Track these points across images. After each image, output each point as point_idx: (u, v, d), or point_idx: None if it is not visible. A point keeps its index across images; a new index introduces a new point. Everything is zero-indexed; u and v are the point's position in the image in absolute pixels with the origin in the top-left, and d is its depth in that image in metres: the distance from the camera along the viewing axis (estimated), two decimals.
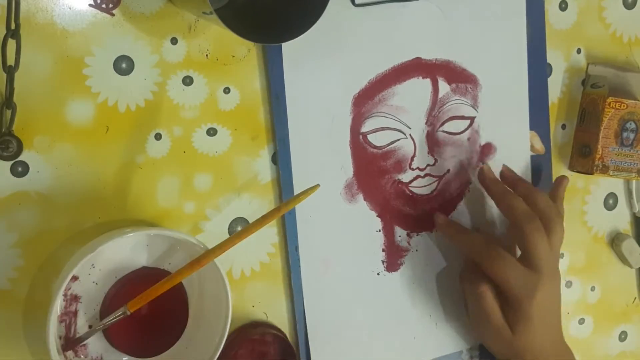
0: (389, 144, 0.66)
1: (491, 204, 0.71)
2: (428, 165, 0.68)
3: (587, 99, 0.73)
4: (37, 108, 0.54)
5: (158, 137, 0.59)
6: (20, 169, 0.55)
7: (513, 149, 0.71)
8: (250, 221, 0.61)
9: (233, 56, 0.60)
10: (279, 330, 0.64)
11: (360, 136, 0.65)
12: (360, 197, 0.66)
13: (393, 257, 0.68)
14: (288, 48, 0.61)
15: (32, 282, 0.56)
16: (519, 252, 0.66)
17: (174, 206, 0.60)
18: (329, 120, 0.64)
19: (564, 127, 0.74)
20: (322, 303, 0.65)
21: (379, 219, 0.67)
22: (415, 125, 0.67)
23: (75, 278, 0.54)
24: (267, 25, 0.55)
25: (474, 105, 0.69)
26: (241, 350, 0.61)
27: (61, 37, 0.55)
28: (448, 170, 0.69)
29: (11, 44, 0.52)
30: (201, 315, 0.58)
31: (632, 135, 0.71)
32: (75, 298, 0.55)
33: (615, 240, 0.78)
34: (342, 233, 0.66)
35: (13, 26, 0.51)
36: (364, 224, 0.66)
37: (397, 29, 0.65)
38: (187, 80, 0.59)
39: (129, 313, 0.53)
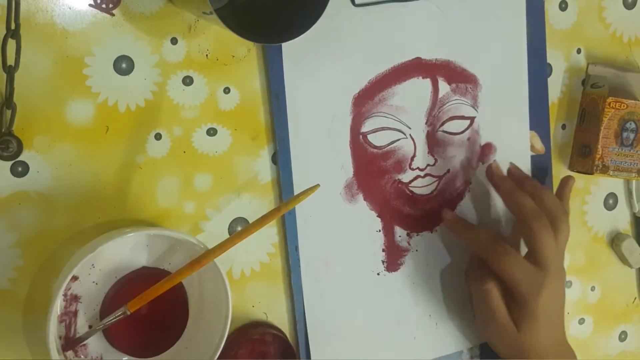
0: (389, 144, 0.66)
1: (491, 203, 0.71)
2: (428, 165, 0.68)
3: (587, 99, 0.73)
4: (37, 108, 0.54)
5: (158, 137, 0.59)
6: (20, 169, 0.55)
7: (513, 149, 0.71)
8: (250, 221, 0.61)
9: (233, 56, 0.60)
10: (279, 330, 0.64)
11: (360, 136, 0.65)
12: (361, 197, 0.66)
13: (393, 257, 0.68)
14: (288, 48, 0.61)
15: (32, 282, 0.56)
16: (523, 251, 0.67)
17: (174, 206, 0.60)
18: (328, 120, 0.64)
19: (564, 127, 0.74)
20: (322, 303, 0.65)
21: (379, 219, 0.67)
22: (415, 125, 0.67)
23: (75, 278, 0.54)
24: (267, 25, 0.55)
25: (474, 105, 0.69)
26: (241, 350, 0.61)
27: (61, 37, 0.55)
28: (448, 170, 0.69)
29: (11, 44, 0.52)
30: (201, 315, 0.58)
31: (632, 135, 0.71)
32: (75, 298, 0.55)
33: (615, 240, 0.78)
34: (342, 233, 0.66)
35: (13, 26, 0.51)
36: (364, 224, 0.66)
37: (397, 29, 0.65)
38: (187, 80, 0.59)
39: (129, 313, 0.53)
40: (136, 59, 0.57)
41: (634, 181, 0.78)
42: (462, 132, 0.69)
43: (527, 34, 0.70)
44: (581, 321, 0.78)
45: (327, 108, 0.64)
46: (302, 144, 0.63)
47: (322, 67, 0.63)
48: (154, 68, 0.58)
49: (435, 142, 0.68)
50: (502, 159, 0.70)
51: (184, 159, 0.60)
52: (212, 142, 0.60)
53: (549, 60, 0.72)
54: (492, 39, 0.68)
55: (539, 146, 0.72)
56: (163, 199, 0.59)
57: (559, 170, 0.74)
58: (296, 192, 0.62)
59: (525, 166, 0.72)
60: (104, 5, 0.55)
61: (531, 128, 0.72)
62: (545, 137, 0.72)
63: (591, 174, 0.72)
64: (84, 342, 0.55)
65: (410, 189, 0.68)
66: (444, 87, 0.67)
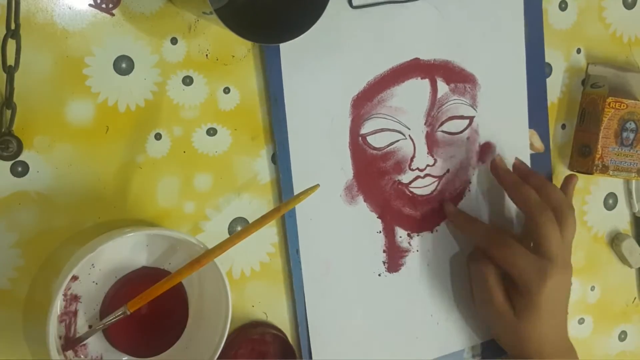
0: (388, 145, 0.66)
1: (492, 203, 0.71)
2: (428, 165, 0.68)
3: (587, 99, 0.73)
4: (37, 108, 0.54)
5: (158, 137, 0.59)
6: (20, 169, 0.55)
7: (512, 147, 0.71)
8: (250, 221, 0.61)
9: (233, 56, 0.60)
10: (279, 330, 0.64)
11: (360, 138, 0.65)
12: (361, 198, 0.66)
13: (394, 258, 0.68)
14: (286, 49, 0.61)
15: (32, 282, 0.56)
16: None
17: (174, 206, 0.60)
18: (328, 121, 0.64)
19: (563, 127, 0.74)
20: (323, 305, 0.65)
21: (379, 220, 0.67)
22: (414, 126, 0.67)
23: (75, 278, 0.54)
24: (267, 25, 0.55)
25: (473, 105, 0.69)
26: (241, 350, 0.61)
27: (61, 37, 0.55)
28: (448, 170, 0.69)
29: (11, 44, 0.52)
30: (201, 315, 0.57)
31: (632, 135, 0.71)
32: (75, 298, 0.55)
33: (615, 240, 0.78)
34: (343, 235, 0.66)
35: (13, 26, 0.51)
36: (365, 225, 0.66)
37: (395, 30, 0.65)
38: (187, 80, 0.59)
39: (128, 313, 0.53)
40: (136, 59, 0.57)
41: (633, 181, 0.78)
42: (462, 131, 0.69)
43: (525, 33, 0.70)
44: (581, 321, 0.78)
45: (326, 110, 0.64)
46: (302, 146, 0.63)
47: (321, 69, 0.63)
48: (154, 68, 0.58)
49: (434, 143, 0.68)
50: (502, 158, 0.71)
51: (184, 159, 0.60)
52: (212, 142, 0.60)
53: (548, 60, 0.72)
54: (490, 39, 0.68)
55: (539, 145, 0.72)
56: (163, 199, 0.59)
57: (559, 170, 0.74)
58: (296, 192, 0.62)
59: None
60: (104, 5, 0.55)
61: (530, 127, 0.72)
62: (544, 136, 0.72)
63: (591, 174, 0.72)
64: (84, 342, 0.55)
65: (410, 189, 0.68)
66: (442, 87, 0.67)
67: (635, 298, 0.81)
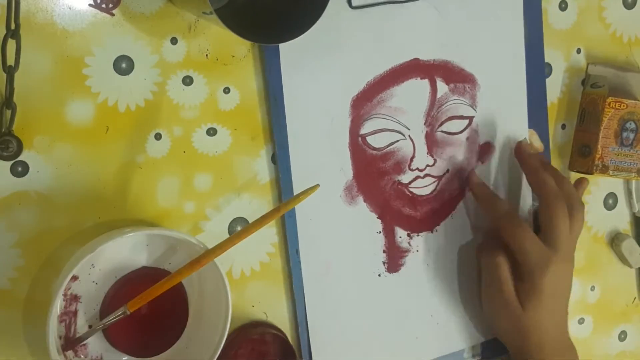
0: (388, 146, 0.66)
1: None
2: (427, 165, 0.68)
3: (587, 99, 0.73)
4: (37, 108, 0.54)
5: (158, 137, 0.59)
6: (20, 169, 0.55)
7: (512, 147, 0.71)
8: (250, 221, 0.61)
9: (233, 56, 0.60)
10: (279, 330, 0.64)
11: (360, 138, 0.65)
12: (360, 199, 0.66)
13: (394, 258, 0.68)
14: (286, 49, 0.61)
15: (32, 282, 0.56)
16: None
17: (174, 206, 0.60)
18: (327, 122, 0.64)
19: (563, 127, 0.74)
20: (323, 305, 0.65)
21: (379, 221, 0.67)
22: (414, 126, 0.67)
23: (75, 278, 0.54)
24: (267, 25, 0.55)
25: (473, 105, 0.69)
26: (241, 350, 0.61)
27: (61, 37, 0.55)
28: (447, 170, 0.69)
29: (11, 44, 0.52)
30: (201, 315, 0.58)
31: (632, 135, 0.71)
32: (75, 298, 0.55)
33: (615, 240, 0.78)
34: (343, 235, 0.66)
35: (13, 26, 0.51)
36: (365, 225, 0.66)
37: (394, 30, 0.65)
38: (187, 80, 0.59)
39: (128, 313, 0.53)
40: (136, 59, 0.57)
41: (633, 181, 0.78)
42: (461, 131, 0.69)
43: (525, 33, 0.70)
44: (581, 321, 0.78)
45: (326, 110, 0.64)
46: (301, 146, 0.63)
47: (320, 69, 0.63)
48: (154, 68, 0.58)
49: (434, 143, 0.68)
50: (502, 158, 0.71)
51: (184, 158, 0.60)
52: (212, 142, 0.60)
53: (548, 60, 0.72)
54: (489, 39, 0.68)
55: (538, 144, 0.72)
56: (163, 199, 0.59)
57: (559, 171, 0.74)
58: (296, 192, 0.62)
59: None
60: (104, 5, 0.55)
61: (530, 127, 0.72)
62: (544, 136, 0.72)
63: (591, 173, 0.72)
64: (84, 342, 0.55)
65: (410, 189, 0.68)
66: (442, 88, 0.67)
67: (635, 298, 0.81)
